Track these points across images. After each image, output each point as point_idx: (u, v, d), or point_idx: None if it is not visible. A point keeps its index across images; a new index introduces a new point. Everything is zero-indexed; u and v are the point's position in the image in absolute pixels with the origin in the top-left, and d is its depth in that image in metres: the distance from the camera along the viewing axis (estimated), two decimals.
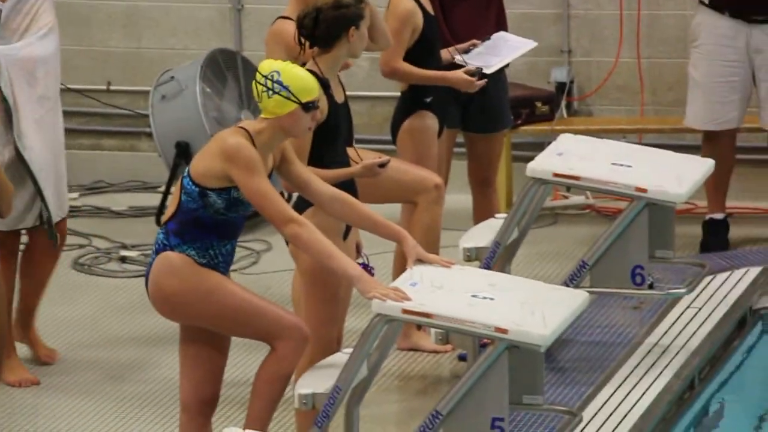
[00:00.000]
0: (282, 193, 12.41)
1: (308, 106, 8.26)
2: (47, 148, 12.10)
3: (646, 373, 11.31)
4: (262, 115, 8.37)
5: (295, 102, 8.26)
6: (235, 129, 8.44)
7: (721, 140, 14.46)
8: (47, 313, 13.09)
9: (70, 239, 14.17)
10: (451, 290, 7.95)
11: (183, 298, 8.69)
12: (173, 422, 9.14)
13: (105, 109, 16.86)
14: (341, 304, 9.09)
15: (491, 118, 12.86)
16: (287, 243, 9.55)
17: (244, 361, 10.23)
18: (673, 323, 12.26)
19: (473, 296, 7.66)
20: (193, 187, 8.13)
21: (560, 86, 15.65)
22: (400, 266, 11.01)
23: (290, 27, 10.05)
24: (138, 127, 16.77)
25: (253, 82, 8.37)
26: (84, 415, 11.00)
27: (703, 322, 12.67)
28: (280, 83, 8.38)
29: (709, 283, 13.37)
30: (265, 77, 8.27)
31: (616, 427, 9.86)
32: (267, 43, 11.14)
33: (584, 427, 9.28)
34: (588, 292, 9.63)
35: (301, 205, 9.33)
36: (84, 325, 13.51)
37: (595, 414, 9.29)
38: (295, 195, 9.86)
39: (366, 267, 9.67)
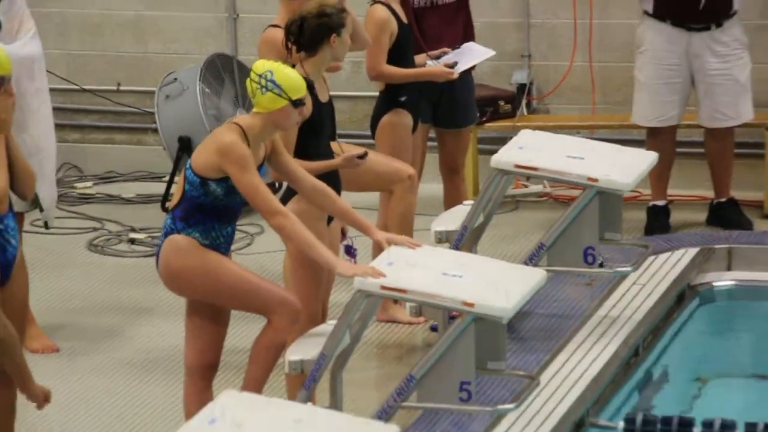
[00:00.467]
0: (272, 183, 12.27)
1: (297, 103, 8.66)
2: (44, 135, 12.47)
3: (596, 341, 11.54)
4: (255, 110, 8.76)
5: (285, 99, 8.65)
6: (230, 125, 8.90)
7: (663, 135, 14.76)
8: (65, 288, 13.99)
9: (86, 223, 15.73)
10: (424, 269, 8.25)
11: (188, 276, 9.15)
12: (178, 385, 9.36)
13: (116, 107, 17.07)
14: (323, 283, 9.55)
15: (459, 115, 13.23)
16: None
17: (242, 331, 10.29)
18: (621, 297, 12.40)
19: (443, 274, 8.00)
20: (195, 177, 8.57)
21: (521, 87, 15.85)
22: (377, 248, 11.24)
23: (279, 34, 10.26)
24: (145, 124, 16.85)
25: (248, 80, 8.74)
26: (98, 375, 11.39)
27: (647, 297, 12.75)
28: (273, 81, 8.75)
29: (652, 263, 13.50)
30: (260, 76, 8.71)
31: (570, 389, 9.92)
32: (259, 48, 11.52)
33: (541, 390, 9.25)
34: (546, 270, 9.92)
35: (289, 193, 9.64)
36: (97, 298, 13.91)
37: (551, 378, 9.36)
38: (285, 184, 10.13)
39: (350, 248, 10.59)
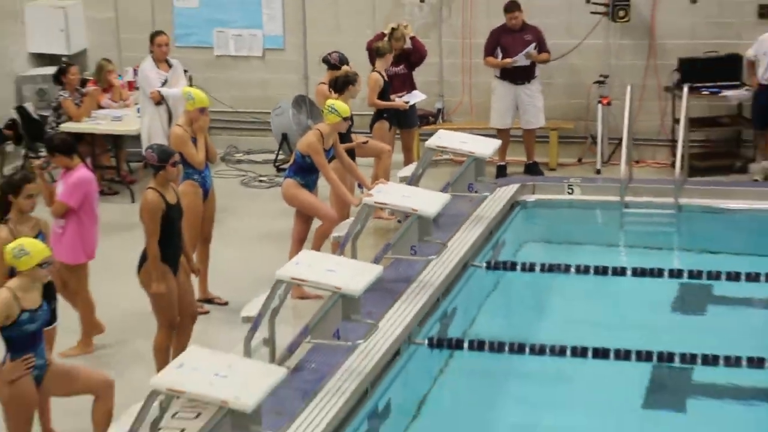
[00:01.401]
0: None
1: (346, 119, 14.15)
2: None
3: (465, 232, 16.14)
4: (326, 123, 14.18)
5: (340, 117, 13.95)
6: (315, 130, 14.39)
7: (504, 132, 19.70)
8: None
9: (236, 172, 21.00)
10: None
11: (293, 194, 14.54)
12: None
13: (257, 118, 21.80)
14: (347, 208, 13.94)
15: (411, 122, 18.96)
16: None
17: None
18: (483, 207, 17.18)
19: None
20: (299, 153, 14.15)
21: (439, 110, 21.27)
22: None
23: (324, 87, 16.65)
24: (267, 127, 21.28)
25: (324, 109, 14.42)
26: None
27: (497, 204, 17.40)
28: (334, 108, 14.02)
29: (501, 190, 18.07)
30: (329, 106, 14.10)
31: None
32: (316, 94, 18.01)
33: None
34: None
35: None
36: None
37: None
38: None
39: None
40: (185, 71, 19.47)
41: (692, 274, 15.56)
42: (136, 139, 19.11)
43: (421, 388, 12.15)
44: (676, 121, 18.89)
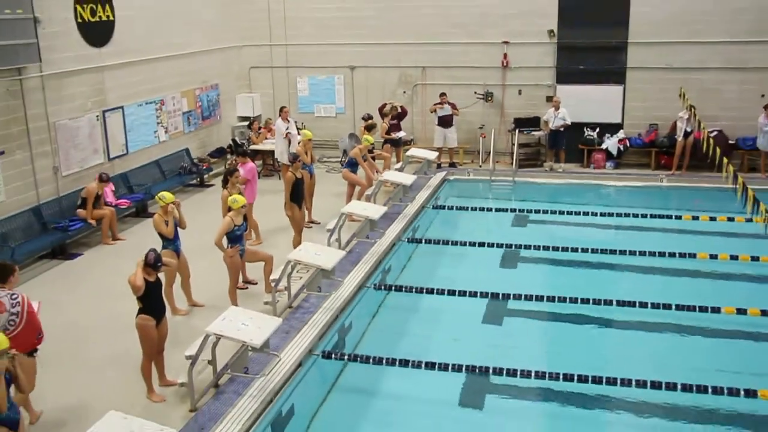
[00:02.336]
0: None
1: (372, 147, 17.43)
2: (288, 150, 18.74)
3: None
4: (363, 145, 17.23)
5: (369, 143, 17.30)
6: (357, 148, 17.17)
7: (440, 149, 21.54)
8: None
9: (323, 166, 22.08)
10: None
11: (347, 174, 17.08)
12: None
13: (332, 143, 23.49)
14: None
15: (399, 144, 21.05)
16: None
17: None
18: (423, 188, 19.50)
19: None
20: (351, 158, 17.04)
21: (412, 139, 22.99)
22: (366, 179, 18.01)
23: (362, 129, 18.44)
24: (336, 146, 23.33)
25: (362, 139, 17.59)
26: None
27: (432, 183, 20.05)
28: (366, 139, 17.39)
29: (437, 174, 21.03)
30: (364, 138, 17.45)
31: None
32: (359, 132, 19.54)
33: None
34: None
35: (349, 164, 17.64)
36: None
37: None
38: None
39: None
40: (297, 123, 21.41)
41: (520, 210, 18.56)
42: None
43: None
44: (513, 144, 21.09)
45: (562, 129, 20.99)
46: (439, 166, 21.45)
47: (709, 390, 9.70)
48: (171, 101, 20.42)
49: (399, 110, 21.07)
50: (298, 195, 14.47)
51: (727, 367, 10.91)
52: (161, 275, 10.09)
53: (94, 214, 15.81)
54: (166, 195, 12.02)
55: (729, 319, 11.98)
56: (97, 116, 17.25)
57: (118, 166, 17.95)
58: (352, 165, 17.22)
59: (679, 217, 16.99)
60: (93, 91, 17.12)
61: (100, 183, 16.06)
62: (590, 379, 10.01)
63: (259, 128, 21.98)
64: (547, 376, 10.14)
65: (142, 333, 9.71)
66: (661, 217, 17.10)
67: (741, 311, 11.99)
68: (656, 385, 9.82)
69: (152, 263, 9.60)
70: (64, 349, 11.21)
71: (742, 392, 9.63)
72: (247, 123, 22.47)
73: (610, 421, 10.00)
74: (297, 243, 13.99)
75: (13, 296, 8.91)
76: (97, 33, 17.18)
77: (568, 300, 12.53)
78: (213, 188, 19.76)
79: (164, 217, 11.85)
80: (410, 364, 10.49)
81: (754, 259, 14.25)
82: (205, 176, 20.76)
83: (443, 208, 18.56)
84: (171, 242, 12.08)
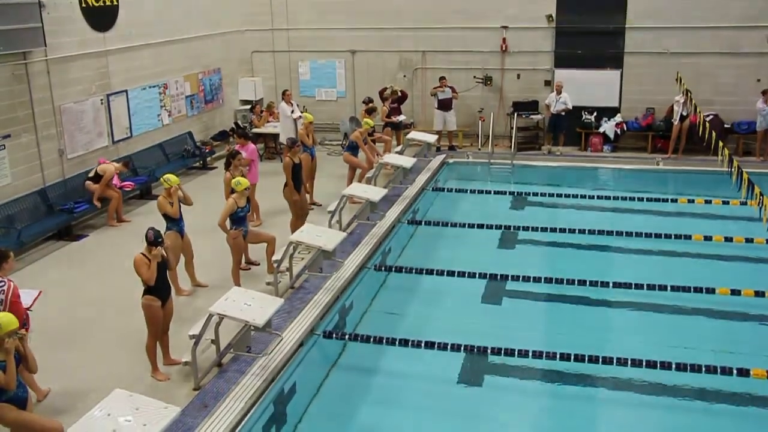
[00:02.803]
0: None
1: (372, 129, 17.19)
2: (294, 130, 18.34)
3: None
4: (363, 128, 17.11)
5: (369, 126, 17.11)
6: (357, 131, 17.02)
7: (439, 132, 21.39)
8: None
9: (324, 149, 21.63)
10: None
11: (348, 157, 16.70)
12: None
13: (334, 126, 23.28)
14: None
15: (399, 127, 21.14)
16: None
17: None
18: (423, 170, 19.34)
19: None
20: (351, 141, 16.82)
21: (412, 122, 22.78)
22: (367, 161, 17.81)
23: (363, 113, 18.47)
24: (337, 129, 23.00)
25: (362, 121, 17.52)
26: None
27: (434, 164, 20.09)
28: (366, 122, 17.29)
29: (437, 156, 20.84)
30: (365, 121, 17.29)
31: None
32: (359, 116, 19.57)
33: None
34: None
35: (350, 148, 17.42)
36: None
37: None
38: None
39: None
40: (299, 106, 20.81)
41: (518, 193, 18.43)
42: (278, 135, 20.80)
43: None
44: (512, 127, 20.98)
45: (563, 113, 21.04)
46: (438, 149, 21.38)
47: (703, 369, 9.78)
48: (174, 85, 20.44)
49: (399, 94, 21.15)
50: (297, 180, 14.46)
51: (721, 347, 10.95)
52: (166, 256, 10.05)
53: (106, 192, 15.91)
54: (171, 178, 12.06)
55: (724, 299, 12.03)
56: (102, 100, 17.29)
57: (123, 149, 17.93)
58: (353, 148, 17.18)
59: (675, 201, 17.02)
60: (97, 75, 17.14)
61: (123, 167, 16.44)
62: (587, 358, 10.05)
63: (261, 112, 22.01)
64: (544, 355, 10.20)
65: (147, 313, 9.69)
66: (657, 200, 17.14)
67: (735, 292, 12.03)
68: (651, 364, 9.87)
69: (153, 240, 9.59)
70: (70, 328, 11.25)
71: (735, 371, 9.72)
72: (249, 107, 22.55)
73: (605, 398, 10.05)
74: (295, 226, 13.97)
75: (1, 283, 8.85)
76: (101, 18, 17.18)
77: (565, 281, 12.57)
78: (216, 171, 19.76)
79: (169, 199, 11.86)
80: (410, 344, 10.54)
81: (749, 241, 14.29)
82: (208, 159, 20.76)
83: (443, 190, 18.57)
84: (175, 223, 12.03)
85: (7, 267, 9.08)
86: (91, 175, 16.04)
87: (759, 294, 11.97)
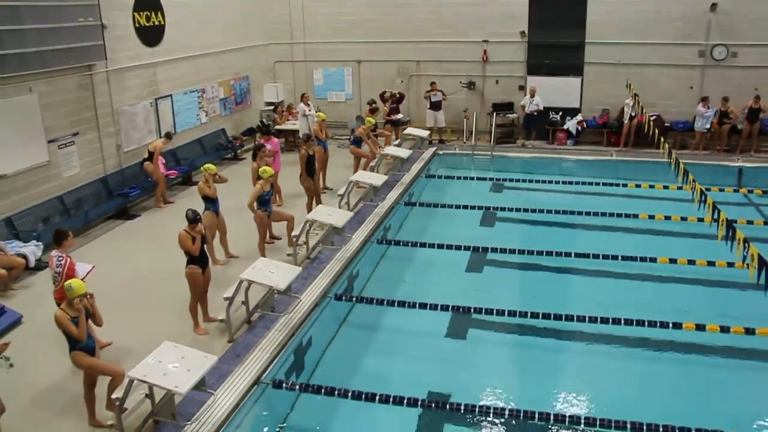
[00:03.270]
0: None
1: (375, 126, 16.80)
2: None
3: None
4: (366, 125, 16.45)
5: (371, 123, 16.57)
6: (362, 127, 16.39)
7: (431, 128, 20.71)
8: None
9: (335, 142, 20.52)
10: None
11: (354, 149, 16.10)
12: None
13: (342, 123, 22.41)
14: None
15: (398, 123, 20.45)
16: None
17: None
18: (416, 161, 18.57)
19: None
20: (356, 136, 16.15)
21: (408, 120, 22.02)
22: (371, 153, 16.97)
23: (367, 112, 18.16)
24: (345, 125, 22.25)
25: (366, 119, 16.84)
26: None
27: (426, 154, 19.60)
28: (369, 120, 16.62)
29: (429, 148, 20.02)
30: (367, 119, 16.69)
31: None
32: (364, 115, 18.95)
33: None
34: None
35: (355, 141, 16.80)
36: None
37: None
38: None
39: None
40: (314, 107, 20.01)
41: (497, 179, 18.05)
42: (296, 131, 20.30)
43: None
44: (492, 124, 20.65)
45: (535, 113, 20.73)
46: (430, 142, 20.95)
47: (646, 323, 9.93)
48: (210, 90, 20.17)
49: (397, 96, 20.71)
50: (310, 168, 14.19)
51: (661, 306, 11.02)
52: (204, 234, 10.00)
53: (156, 172, 15.80)
54: (210, 167, 11.93)
55: (664, 267, 12.20)
56: (151, 103, 17.18)
57: (168, 144, 17.12)
58: (358, 142, 16.80)
59: (625, 185, 16.88)
60: (147, 82, 17.09)
61: (167, 140, 16.18)
62: (553, 316, 10.18)
63: (282, 111, 21.59)
64: (518, 314, 10.29)
65: (190, 280, 9.61)
66: (611, 184, 17.00)
67: (673, 260, 12.19)
68: (605, 320, 10.06)
69: (192, 219, 9.49)
70: (128, 292, 11.21)
71: (671, 324, 9.93)
72: (272, 107, 22.05)
73: (569, 349, 10.16)
74: (310, 207, 13.92)
75: (60, 258, 8.84)
76: (151, 35, 17.17)
77: (535, 252, 12.62)
78: (245, 161, 19.24)
79: (208, 183, 11.69)
80: (406, 305, 10.57)
81: (683, 219, 14.28)
82: (239, 151, 20.37)
83: (434, 177, 18.31)
84: (212, 204, 11.82)
85: (66, 244, 9.02)
86: (145, 156, 15.92)
87: (691, 262, 12.09)
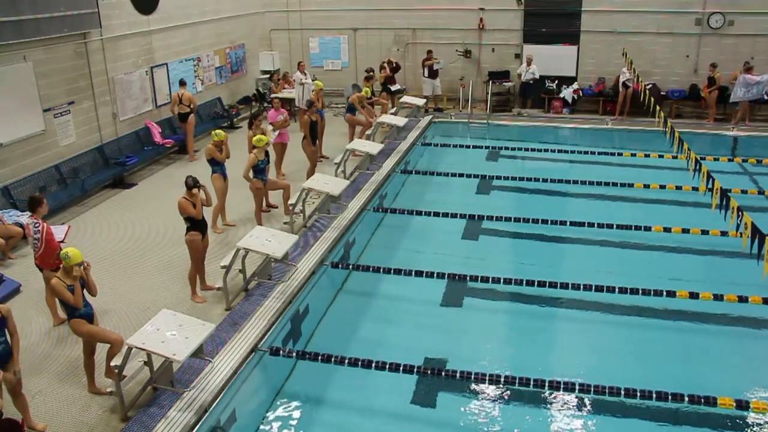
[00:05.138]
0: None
1: (370, 96, 16.78)
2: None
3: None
4: (363, 93, 16.73)
5: (366, 94, 16.72)
6: (356, 95, 16.48)
7: (427, 97, 20.55)
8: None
9: (331, 111, 20.69)
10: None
11: (350, 117, 16.07)
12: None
13: (338, 91, 22.40)
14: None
15: (395, 93, 20.31)
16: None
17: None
18: (413, 130, 18.57)
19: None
20: (350, 104, 16.00)
21: (404, 88, 21.71)
22: (367, 122, 17.08)
23: (363, 80, 18.20)
24: (341, 93, 22.29)
25: (364, 88, 16.95)
26: None
27: (422, 122, 19.69)
28: (365, 89, 16.93)
29: (425, 117, 20.21)
30: (363, 87, 17.06)
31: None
32: (361, 82, 18.89)
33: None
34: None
35: (350, 109, 16.71)
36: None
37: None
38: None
39: None
40: (311, 75, 19.99)
41: (493, 147, 18.17)
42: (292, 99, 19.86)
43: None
44: (488, 92, 20.69)
45: (531, 81, 20.66)
46: (426, 110, 20.89)
47: (639, 291, 9.94)
48: (206, 58, 20.03)
49: (394, 65, 20.69)
50: (313, 134, 14.25)
51: (655, 274, 11.03)
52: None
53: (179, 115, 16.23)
54: (221, 132, 11.94)
55: (658, 236, 12.14)
56: (147, 71, 17.09)
57: (164, 112, 17.60)
58: (352, 109, 16.75)
59: (620, 154, 16.77)
60: (143, 51, 16.95)
61: (181, 87, 16.68)
62: (547, 283, 10.11)
63: (278, 80, 21.44)
64: (513, 281, 10.27)
65: (191, 246, 9.55)
66: (606, 153, 16.92)
67: (667, 230, 12.12)
68: (599, 288, 10.01)
69: (192, 185, 9.42)
70: (125, 259, 11.24)
71: (664, 293, 9.90)
72: (268, 76, 21.94)
73: (562, 316, 10.17)
74: (311, 173, 13.90)
75: (36, 224, 8.83)
76: (146, 2, 16.94)
77: (531, 220, 12.56)
78: (240, 129, 19.32)
79: (216, 148, 11.72)
80: (402, 273, 10.54)
81: (678, 188, 14.24)
82: (235, 120, 20.26)
83: (430, 145, 18.21)
84: (220, 167, 11.85)
85: (41, 211, 8.96)
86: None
87: (685, 231, 12.08)
